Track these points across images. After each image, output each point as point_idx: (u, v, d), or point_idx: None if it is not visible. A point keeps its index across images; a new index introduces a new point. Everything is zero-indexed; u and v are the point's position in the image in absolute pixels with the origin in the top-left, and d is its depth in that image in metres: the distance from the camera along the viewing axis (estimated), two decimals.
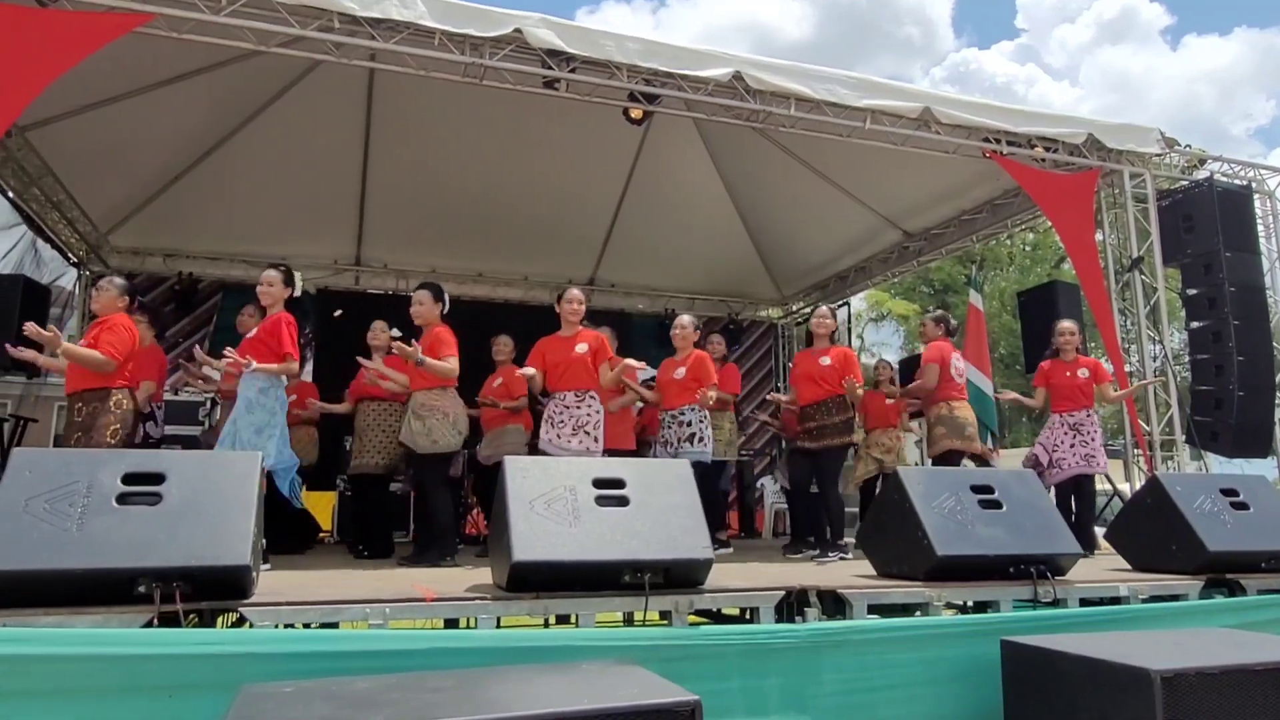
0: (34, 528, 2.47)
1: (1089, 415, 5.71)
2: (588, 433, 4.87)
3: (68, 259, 8.25)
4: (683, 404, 5.39)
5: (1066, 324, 5.95)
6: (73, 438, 4.24)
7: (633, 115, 6.05)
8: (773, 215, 9.47)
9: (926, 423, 5.97)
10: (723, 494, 6.93)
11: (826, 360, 5.41)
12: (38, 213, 7.36)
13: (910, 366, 7.65)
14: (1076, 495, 5.66)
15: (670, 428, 5.41)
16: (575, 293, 5.14)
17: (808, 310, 11.10)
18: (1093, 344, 9.62)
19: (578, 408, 4.92)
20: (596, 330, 5.18)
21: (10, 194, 6.95)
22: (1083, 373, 5.80)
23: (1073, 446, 5.68)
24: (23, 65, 4.40)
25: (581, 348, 4.98)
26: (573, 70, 5.50)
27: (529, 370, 4.97)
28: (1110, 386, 5.90)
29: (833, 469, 5.42)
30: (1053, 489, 5.51)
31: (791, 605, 3.22)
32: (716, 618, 3.69)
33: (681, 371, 5.43)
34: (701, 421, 5.38)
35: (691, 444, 5.32)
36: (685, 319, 5.65)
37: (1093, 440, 5.67)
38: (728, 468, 6.52)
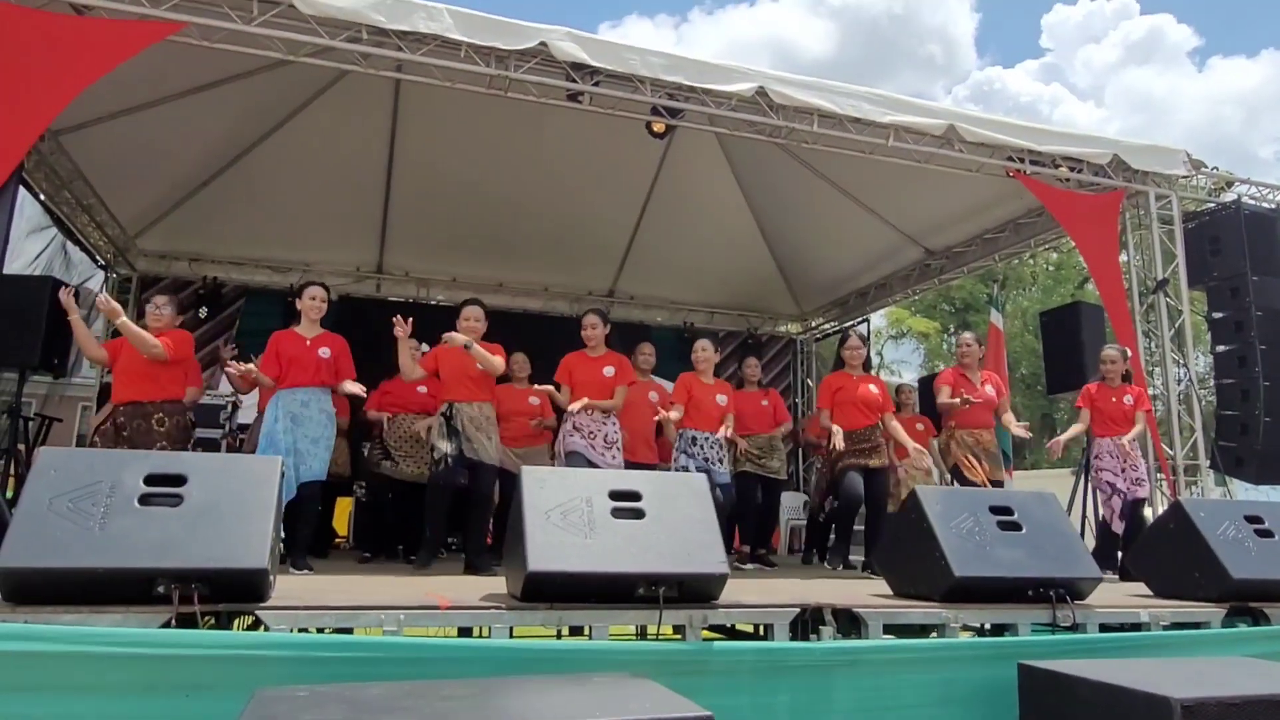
0: (57, 526, 2.50)
1: (1133, 442, 5.72)
2: (618, 450, 5.21)
3: (96, 261, 8.37)
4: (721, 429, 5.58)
5: (1110, 351, 5.98)
6: (156, 445, 4.58)
7: (655, 129, 6.07)
8: (793, 230, 9.47)
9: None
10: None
11: (874, 388, 5.70)
12: (68, 215, 7.48)
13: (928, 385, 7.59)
14: (1130, 520, 5.63)
15: (713, 449, 5.47)
16: (592, 318, 5.39)
17: (828, 326, 11.10)
18: None
19: (605, 424, 5.21)
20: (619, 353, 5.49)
21: (42, 197, 7.07)
22: (1128, 399, 5.80)
23: (1123, 471, 5.67)
24: (58, 71, 4.49)
25: (609, 370, 5.27)
26: (596, 84, 5.54)
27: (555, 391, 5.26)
28: (1142, 417, 5.93)
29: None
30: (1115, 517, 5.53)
31: (807, 623, 3.19)
32: (731, 634, 3.67)
33: (724, 399, 5.60)
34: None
35: (723, 465, 5.51)
36: (709, 342, 5.79)
37: (1139, 466, 5.70)
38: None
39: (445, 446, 4.76)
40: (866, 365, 5.88)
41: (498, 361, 4.92)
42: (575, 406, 5.14)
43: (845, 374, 5.75)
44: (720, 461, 5.49)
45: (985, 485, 5.53)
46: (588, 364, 5.30)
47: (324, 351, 4.84)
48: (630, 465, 5.30)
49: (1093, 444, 5.90)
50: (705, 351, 5.66)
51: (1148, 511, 6.57)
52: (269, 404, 4.80)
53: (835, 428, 5.47)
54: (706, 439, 5.46)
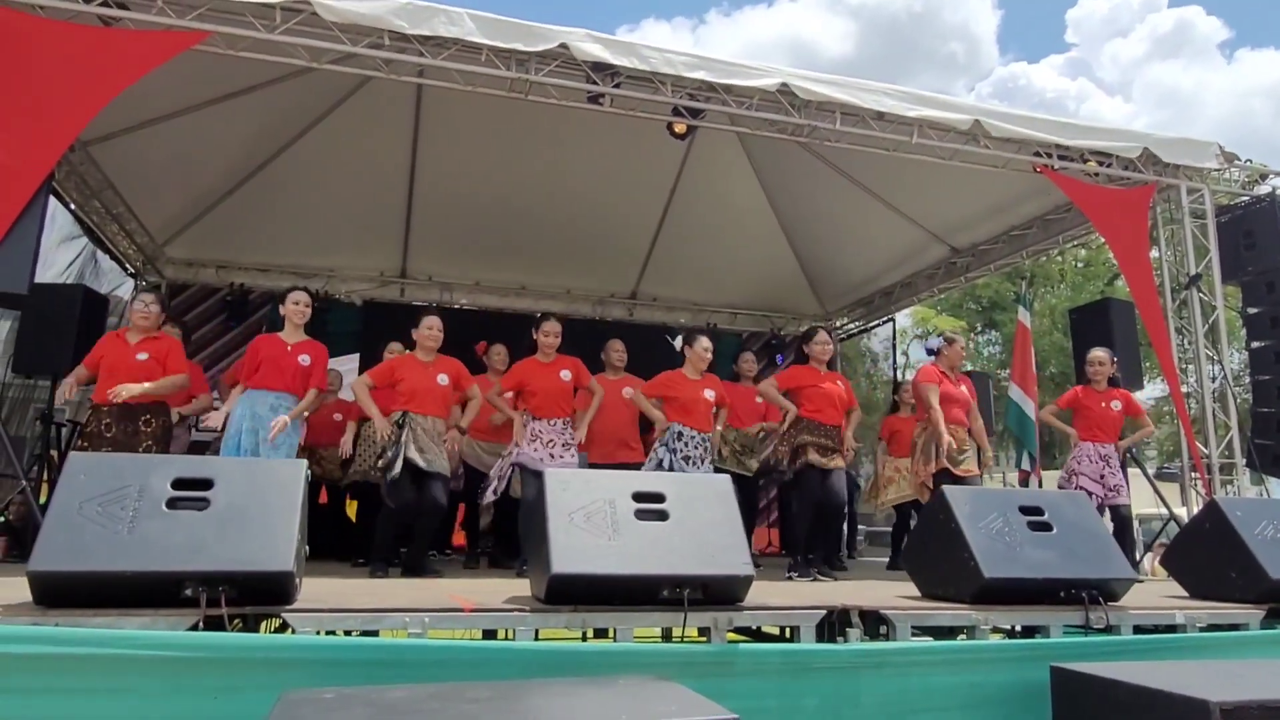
0: (87, 530, 2.53)
1: (1116, 449, 5.70)
2: (572, 452, 5.19)
3: (125, 270, 8.50)
4: (711, 429, 5.44)
5: (1098, 353, 5.94)
6: (141, 446, 4.57)
7: (676, 130, 6.05)
8: (817, 230, 9.41)
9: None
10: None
11: (840, 384, 5.48)
12: (98, 224, 7.60)
13: None
14: (1116, 526, 5.58)
15: (696, 447, 5.29)
16: (553, 324, 5.38)
17: (852, 326, 11.03)
18: (1148, 363, 9.36)
19: (563, 432, 5.22)
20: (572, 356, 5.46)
21: (73, 206, 7.19)
22: (1115, 405, 5.75)
23: (1102, 478, 5.64)
24: (87, 82, 4.55)
25: (566, 375, 5.28)
26: (617, 85, 5.53)
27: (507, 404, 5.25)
28: (1142, 420, 5.93)
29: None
30: None
31: (833, 625, 3.16)
32: (756, 635, 3.65)
33: (712, 393, 5.44)
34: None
35: (705, 464, 5.34)
36: (708, 343, 5.55)
37: (1118, 473, 5.69)
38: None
39: (397, 452, 4.68)
40: (831, 364, 5.66)
41: (475, 404, 5.08)
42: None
43: (812, 369, 5.48)
44: (703, 461, 5.31)
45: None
46: (541, 370, 5.25)
47: (304, 359, 4.81)
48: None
49: (1074, 447, 5.83)
50: (705, 351, 5.45)
51: (1181, 511, 6.48)
52: (237, 402, 4.73)
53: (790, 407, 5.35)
54: (692, 436, 5.29)
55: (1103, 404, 5.78)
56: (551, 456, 5.07)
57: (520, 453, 5.10)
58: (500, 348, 6.27)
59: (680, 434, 5.29)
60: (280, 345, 4.82)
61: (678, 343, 5.72)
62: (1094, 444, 5.70)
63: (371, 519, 5.92)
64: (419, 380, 4.80)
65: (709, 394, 5.40)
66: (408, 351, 5.14)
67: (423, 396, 4.78)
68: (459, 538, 7.12)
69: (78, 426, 6.81)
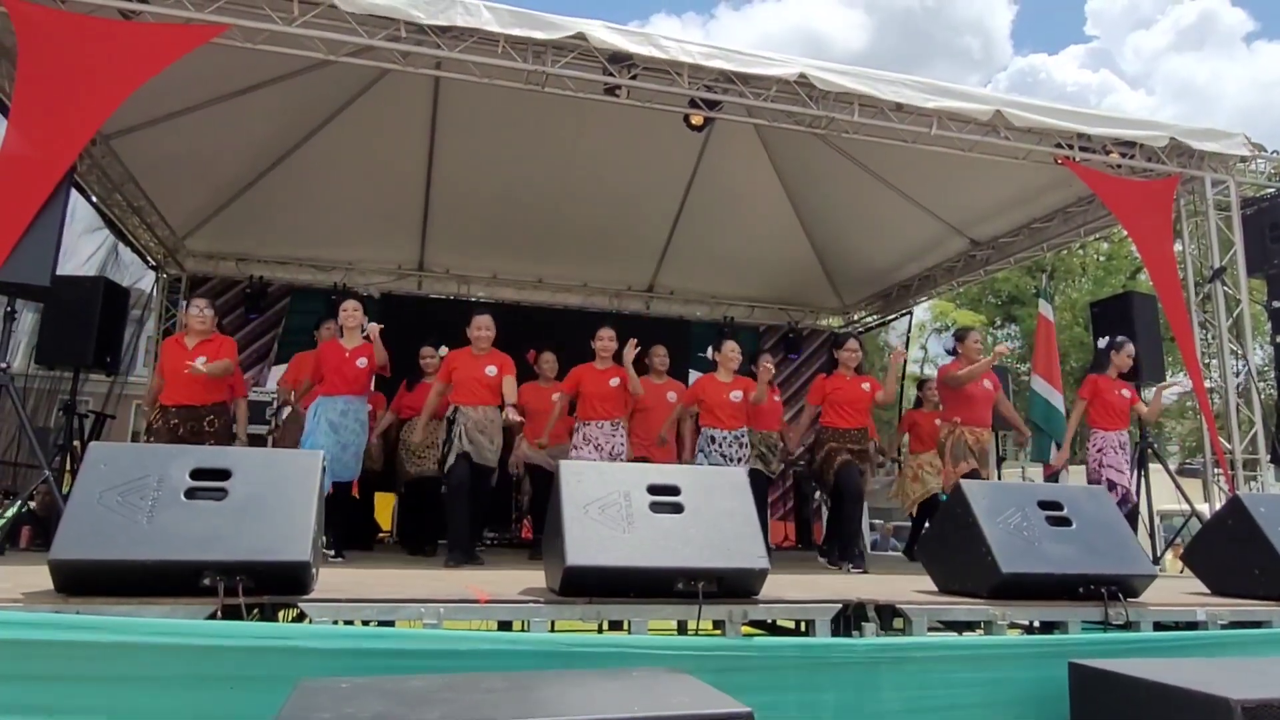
0: (106, 519, 2.55)
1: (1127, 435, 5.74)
2: (623, 462, 5.41)
3: (146, 262, 8.58)
4: (742, 425, 5.67)
5: (1131, 344, 6.00)
6: (206, 444, 4.89)
7: (693, 122, 6.02)
8: (835, 222, 9.35)
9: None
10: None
11: (866, 386, 5.73)
12: (119, 217, 7.67)
13: None
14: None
15: (731, 446, 5.56)
16: (607, 330, 5.63)
17: (870, 319, 10.96)
18: (1169, 357, 9.25)
19: (613, 436, 5.50)
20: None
21: (94, 199, 7.26)
22: (1124, 392, 5.85)
23: (1124, 469, 5.67)
24: (107, 75, 4.58)
25: (614, 381, 5.53)
26: (634, 77, 5.51)
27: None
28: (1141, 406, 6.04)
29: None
30: None
31: (849, 619, 3.14)
32: (771, 629, 3.63)
33: (739, 395, 5.65)
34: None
35: (743, 464, 5.53)
36: (734, 345, 5.89)
37: (1129, 462, 5.77)
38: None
39: (452, 448, 5.05)
40: (859, 368, 5.89)
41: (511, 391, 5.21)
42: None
43: (839, 375, 5.79)
44: (740, 461, 5.53)
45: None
46: (595, 376, 5.53)
47: (361, 362, 5.19)
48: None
49: (1094, 437, 5.81)
50: (732, 353, 5.77)
51: (1204, 507, 6.40)
52: (311, 408, 5.15)
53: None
54: (725, 437, 5.55)
55: (1116, 392, 5.85)
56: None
57: (578, 456, 5.31)
58: (549, 355, 6.45)
59: (712, 437, 5.56)
60: (340, 353, 5.22)
61: (709, 352, 6.06)
62: (1114, 432, 5.71)
63: (418, 513, 6.30)
64: (468, 371, 5.18)
65: (735, 395, 5.63)
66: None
67: (471, 386, 5.13)
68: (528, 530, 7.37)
69: (101, 416, 6.91)
